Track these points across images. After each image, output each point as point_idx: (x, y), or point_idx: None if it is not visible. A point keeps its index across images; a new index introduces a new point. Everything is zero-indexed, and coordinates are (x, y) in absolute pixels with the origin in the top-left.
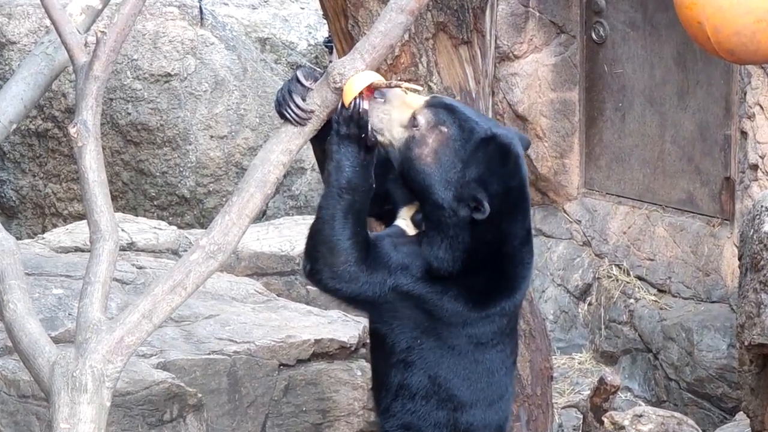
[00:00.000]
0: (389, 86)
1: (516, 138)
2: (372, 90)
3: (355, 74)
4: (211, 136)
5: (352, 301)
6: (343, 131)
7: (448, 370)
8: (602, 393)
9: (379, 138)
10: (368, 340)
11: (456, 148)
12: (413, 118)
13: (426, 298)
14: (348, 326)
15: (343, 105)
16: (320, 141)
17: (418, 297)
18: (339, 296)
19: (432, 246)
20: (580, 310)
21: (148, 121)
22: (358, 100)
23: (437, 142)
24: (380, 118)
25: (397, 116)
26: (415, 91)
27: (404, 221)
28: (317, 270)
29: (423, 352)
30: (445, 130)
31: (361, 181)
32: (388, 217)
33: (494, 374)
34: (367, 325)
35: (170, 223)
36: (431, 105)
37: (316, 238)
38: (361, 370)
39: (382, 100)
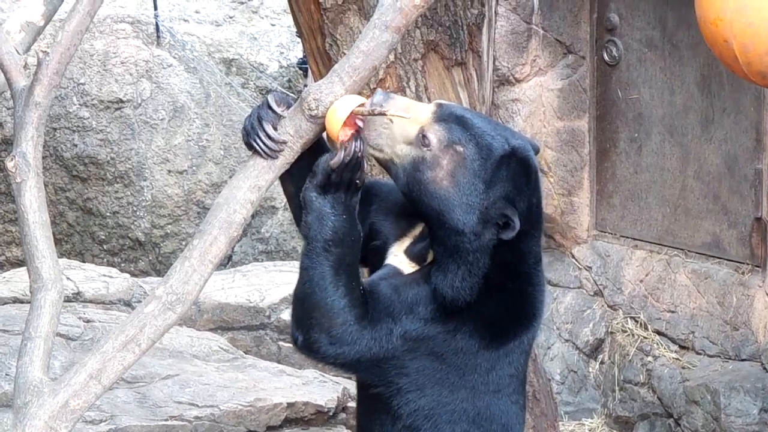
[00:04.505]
0: (373, 113)
1: (529, 146)
2: (353, 120)
3: (334, 100)
4: (169, 171)
5: (356, 365)
6: (334, 179)
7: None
8: None
9: (377, 154)
10: (349, 404)
11: (475, 169)
12: (422, 135)
13: (438, 339)
14: (325, 388)
15: (344, 159)
16: (292, 177)
17: (430, 340)
18: (341, 362)
19: (446, 275)
20: (590, 369)
21: (97, 154)
22: (357, 144)
23: (453, 164)
24: (379, 133)
25: (400, 131)
26: (402, 118)
27: (397, 258)
28: (313, 339)
29: (434, 412)
30: (461, 149)
31: (350, 229)
32: (373, 256)
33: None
34: (350, 387)
35: (122, 270)
36: (441, 119)
37: (306, 304)
38: None
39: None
